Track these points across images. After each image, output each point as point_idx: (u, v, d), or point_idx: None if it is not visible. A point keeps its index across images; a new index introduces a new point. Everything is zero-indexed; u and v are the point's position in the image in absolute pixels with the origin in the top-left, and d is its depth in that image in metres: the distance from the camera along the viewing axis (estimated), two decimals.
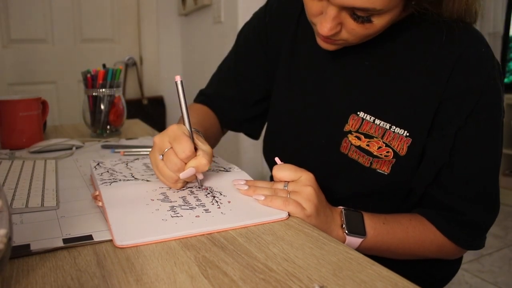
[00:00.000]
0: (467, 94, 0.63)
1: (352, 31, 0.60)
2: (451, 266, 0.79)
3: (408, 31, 0.67)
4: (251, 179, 0.65)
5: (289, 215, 0.56)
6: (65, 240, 0.48)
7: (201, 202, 0.58)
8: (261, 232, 0.51)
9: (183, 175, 0.58)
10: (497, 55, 2.70)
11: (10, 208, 0.51)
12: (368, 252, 0.62)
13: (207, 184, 0.65)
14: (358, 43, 0.65)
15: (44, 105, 1.06)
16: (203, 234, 0.50)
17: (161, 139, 0.60)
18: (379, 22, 0.58)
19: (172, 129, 0.60)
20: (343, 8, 0.58)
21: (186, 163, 0.59)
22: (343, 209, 0.63)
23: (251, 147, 2.04)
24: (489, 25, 2.61)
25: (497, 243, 2.12)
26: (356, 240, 0.62)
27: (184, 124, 0.61)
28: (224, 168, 0.72)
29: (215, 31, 2.19)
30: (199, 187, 0.63)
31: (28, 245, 0.46)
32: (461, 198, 0.66)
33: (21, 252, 0.45)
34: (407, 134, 0.66)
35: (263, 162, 2.10)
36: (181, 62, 2.79)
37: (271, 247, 0.47)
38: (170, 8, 2.68)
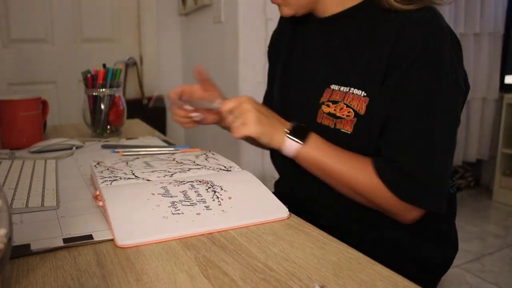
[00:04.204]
0: (408, 50, 0.67)
1: None
2: (446, 251, 0.79)
3: (369, 12, 0.74)
4: (254, 177, 0.66)
5: (289, 215, 0.56)
6: (65, 240, 0.48)
7: (202, 198, 0.58)
8: (261, 232, 0.51)
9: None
10: (497, 55, 2.69)
11: (10, 208, 0.51)
12: (304, 163, 0.72)
13: (207, 178, 0.65)
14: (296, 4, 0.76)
15: (44, 105, 1.06)
16: (203, 234, 0.50)
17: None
18: None
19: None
20: None
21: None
22: (291, 124, 0.72)
23: (251, 147, 2.04)
24: (489, 25, 2.61)
25: (497, 243, 2.12)
26: (295, 145, 0.70)
27: None
28: (225, 167, 0.72)
29: (215, 31, 2.19)
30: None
31: (28, 245, 0.46)
32: (397, 147, 0.68)
33: (21, 252, 0.45)
34: (365, 94, 0.70)
35: (263, 162, 2.10)
36: (181, 62, 2.79)
37: (271, 247, 0.47)
38: (170, 8, 2.68)
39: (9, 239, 0.36)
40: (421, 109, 0.67)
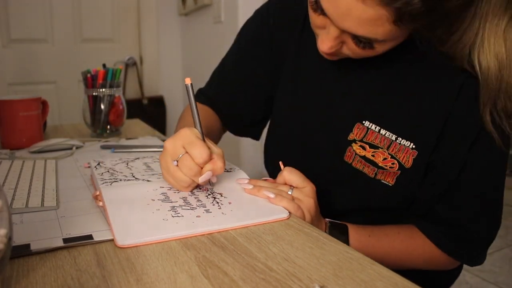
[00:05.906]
0: (475, 114, 0.62)
1: (353, 50, 0.59)
2: (451, 273, 0.78)
3: (415, 49, 0.64)
4: (248, 178, 0.65)
5: (289, 215, 0.56)
6: (65, 240, 0.48)
7: (201, 203, 0.58)
8: (261, 232, 0.51)
9: (202, 179, 0.57)
10: None
11: (10, 208, 0.51)
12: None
13: (207, 185, 0.64)
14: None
15: (44, 105, 1.06)
16: (204, 234, 0.50)
17: (173, 144, 0.58)
18: (381, 48, 0.57)
19: (185, 133, 0.58)
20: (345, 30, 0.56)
21: (202, 168, 0.58)
22: (328, 221, 0.65)
23: (251, 147, 2.04)
24: None
25: (497, 243, 2.12)
26: None
27: (195, 127, 0.60)
28: (225, 169, 0.72)
29: (215, 31, 2.19)
30: (210, 191, 0.62)
31: (28, 245, 0.46)
32: (465, 214, 0.66)
33: (21, 252, 0.45)
34: (413, 146, 0.64)
35: (263, 160, 2.10)
36: (181, 62, 2.79)
37: (271, 247, 0.47)
38: (170, 8, 2.68)
39: (9, 239, 0.36)
40: (493, 182, 0.66)
